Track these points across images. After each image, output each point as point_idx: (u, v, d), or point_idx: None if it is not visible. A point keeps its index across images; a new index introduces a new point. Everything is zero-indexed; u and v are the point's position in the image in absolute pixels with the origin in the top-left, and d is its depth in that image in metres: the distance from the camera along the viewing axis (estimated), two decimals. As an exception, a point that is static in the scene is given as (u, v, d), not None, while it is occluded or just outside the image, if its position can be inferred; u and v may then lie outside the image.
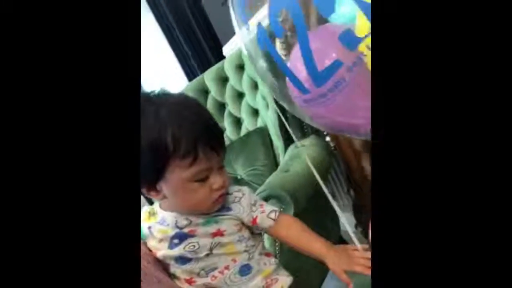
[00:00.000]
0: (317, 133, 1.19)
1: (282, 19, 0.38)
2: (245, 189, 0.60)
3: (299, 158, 1.03)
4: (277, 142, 1.20)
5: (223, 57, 1.53)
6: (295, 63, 0.41)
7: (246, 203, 0.58)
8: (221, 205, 0.56)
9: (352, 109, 0.46)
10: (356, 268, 0.52)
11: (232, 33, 1.50)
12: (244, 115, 1.36)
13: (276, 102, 1.20)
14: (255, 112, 1.32)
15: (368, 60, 0.38)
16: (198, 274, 0.54)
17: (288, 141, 1.17)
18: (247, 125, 1.35)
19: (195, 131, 0.50)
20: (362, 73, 0.40)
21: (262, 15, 0.44)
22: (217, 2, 1.58)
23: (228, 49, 1.53)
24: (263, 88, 1.23)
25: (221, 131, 0.56)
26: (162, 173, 0.50)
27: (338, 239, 1.19)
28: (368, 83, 0.42)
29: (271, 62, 0.47)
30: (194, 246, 0.53)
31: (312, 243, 0.57)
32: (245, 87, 1.32)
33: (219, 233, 0.54)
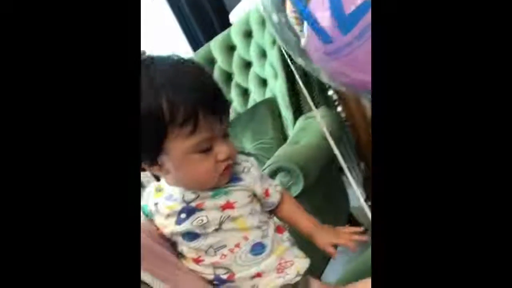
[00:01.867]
0: (328, 104, 1.14)
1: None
2: (253, 159, 0.56)
3: (309, 129, 0.99)
4: (286, 114, 1.16)
5: (229, 25, 1.46)
6: (319, 10, 0.36)
7: (256, 173, 0.54)
8: (230, 177, 0.51)
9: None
10: (340, 241, 0.53)
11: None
12: (252, 86, 1.30)
13: (287, 71, 1.15)
14: (263, 82, 1.27)
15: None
16: (206, 252, 0.50)
17: (297, 112, 1.13)
18: (255, 96, 1.30)
19: (194, 95, 0.45)
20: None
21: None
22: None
23: (234, 16, 1.46)
24: (272, 56, 1.18)
25: (224, 96, 0.50)
26: (161, 144, 0.45)
27: (347, 214, 1.17)
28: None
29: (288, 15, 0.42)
30: (202, 220, 0.49)
31: (302, 220, 0.56)
32: (253, 56, 1.27)
33: (229, 206, 0.50)
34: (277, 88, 1.18)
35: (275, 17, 0.45)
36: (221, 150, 0.47)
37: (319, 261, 0.96)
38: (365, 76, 0.45)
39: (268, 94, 1.25)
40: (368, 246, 0.66)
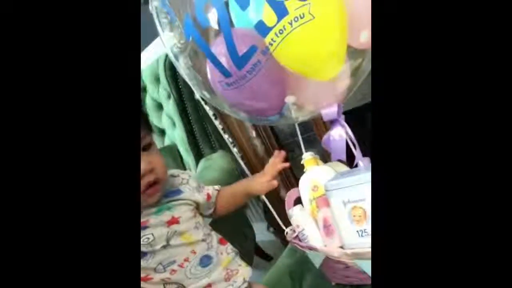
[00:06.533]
0: (224, 146, 1.27)
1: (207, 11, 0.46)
2: (189, 171, 0.60)
3: (211, 168, 1.08)
4: (187, 158, 1.23)
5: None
6: (219, 51, 0.49)
7: (195, 184, 0.57)
8: (167, 191, 0.52)
9: (263, 95, 0.56)
10: (274, 171, 0.61)
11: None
12: (150, 136, 1.35)
13: (184, 121, 1.25)
14: (162, 132, 1.33)
15: (273, 48, 0.48)
16: (155, 270, 0.49)
17: (197, 156, 1.22)
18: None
19: None
20: (271, 61, 0.50)
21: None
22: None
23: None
24: (168, 108, 1.27)
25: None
26: None
27: (254, 247, 1.26)
28: (274, 72, 0.53)
29: (199, 56, 0.54)
30: (148, 238, 0.48)
31: (235, 194, 0.64)
32: (149, 109, 1.33)
33: (174, 221, 0.51)
34: (176, 136, 1.26)
35: (187, 62, 0.56)
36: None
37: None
38: (259, 104, 0.59)
39: (167, 142, 1.31)
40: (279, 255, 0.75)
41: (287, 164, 0.63)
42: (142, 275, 0.50)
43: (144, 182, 0.47)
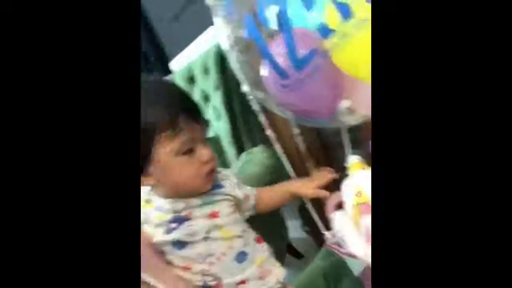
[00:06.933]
0: (266, 142, 1.27)
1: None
2: (229, 169, 0.63)
3: (252, 162, 1.10)
4: (229, 151, 1.26)
5: (169, 72, 1.55)
6: (277, 52, 0.49)
7: (235, 180, 0.60)
8: (213, 182, 0.55)
9: (318, 99, 0.56)
10: (322, 182, 0.62)
11: (180, 49, 1.54)
12: (195, 126, 1.38)
13: (230, 114, 1.27)
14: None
15: (334, 51, 0.47)
16: (195, 260, 0.52)
17: (239, 149, 1.23)
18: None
19: (173, 103, 0.49)
20: (329, 64, 0.49)
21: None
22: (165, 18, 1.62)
23: (175, 65, 1.57)
24: (215, 100, 1.29)
25: (197, 104, 0.55)
26: (149, 153, 0.48)
27: (286, 244, 1.26)
28: (331, 76, 0.52)
29: (251, 52, 0.54)
30: (191, 229, 0.51)
31: (279, 194, 0.65)
32: (196, 99, 1.36)
33: (214, 215, 0.53)
34: (220, 128, 1.28)
35: (238, 56, 0.57)
36: (203, 152, 0.51)
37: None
38: (312, 107, 0.58)
39: (210, 134, 1.34)
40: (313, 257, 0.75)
41: (336, 176, 0.63)
42: (183, 264, 0.52)
43: (206, 168, 0.51)
